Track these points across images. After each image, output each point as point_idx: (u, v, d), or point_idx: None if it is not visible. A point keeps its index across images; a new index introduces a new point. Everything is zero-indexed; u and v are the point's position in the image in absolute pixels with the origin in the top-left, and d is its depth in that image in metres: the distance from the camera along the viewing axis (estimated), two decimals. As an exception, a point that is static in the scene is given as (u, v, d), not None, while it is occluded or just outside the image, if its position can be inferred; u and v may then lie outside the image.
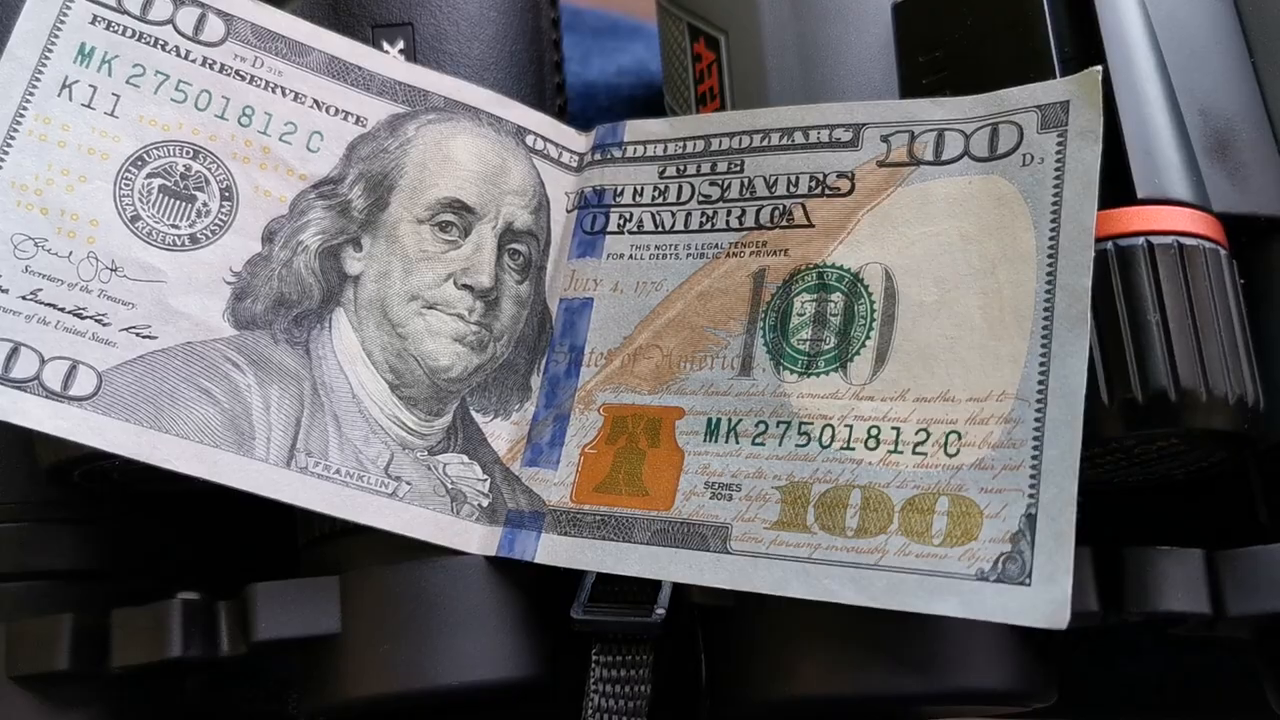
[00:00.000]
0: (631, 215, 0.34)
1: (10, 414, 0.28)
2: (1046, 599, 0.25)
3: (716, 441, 0.30)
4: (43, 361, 0.29)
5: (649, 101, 0.47)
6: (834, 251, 0.30)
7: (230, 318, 0.31)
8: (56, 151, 0.30)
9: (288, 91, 0.32)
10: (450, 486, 0.31)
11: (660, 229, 0.33)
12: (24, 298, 0.29)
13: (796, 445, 0.29)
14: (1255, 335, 0.29)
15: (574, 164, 0.35)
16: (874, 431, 0.28)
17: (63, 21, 0.31)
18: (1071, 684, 0.32)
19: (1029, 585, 0.25)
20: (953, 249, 0.29)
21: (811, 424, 0.29)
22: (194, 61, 0.32)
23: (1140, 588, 0.27)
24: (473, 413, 0.32)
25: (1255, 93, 0.31)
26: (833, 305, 0.30)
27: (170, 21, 0.32)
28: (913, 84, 0.32)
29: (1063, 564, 0.25)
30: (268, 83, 0.32)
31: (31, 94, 0.30)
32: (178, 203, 0.31)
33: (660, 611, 0.29)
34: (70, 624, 0.31)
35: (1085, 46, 0.30)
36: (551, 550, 0.30)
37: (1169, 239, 0.28)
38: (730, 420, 0.30)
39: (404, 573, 0.31)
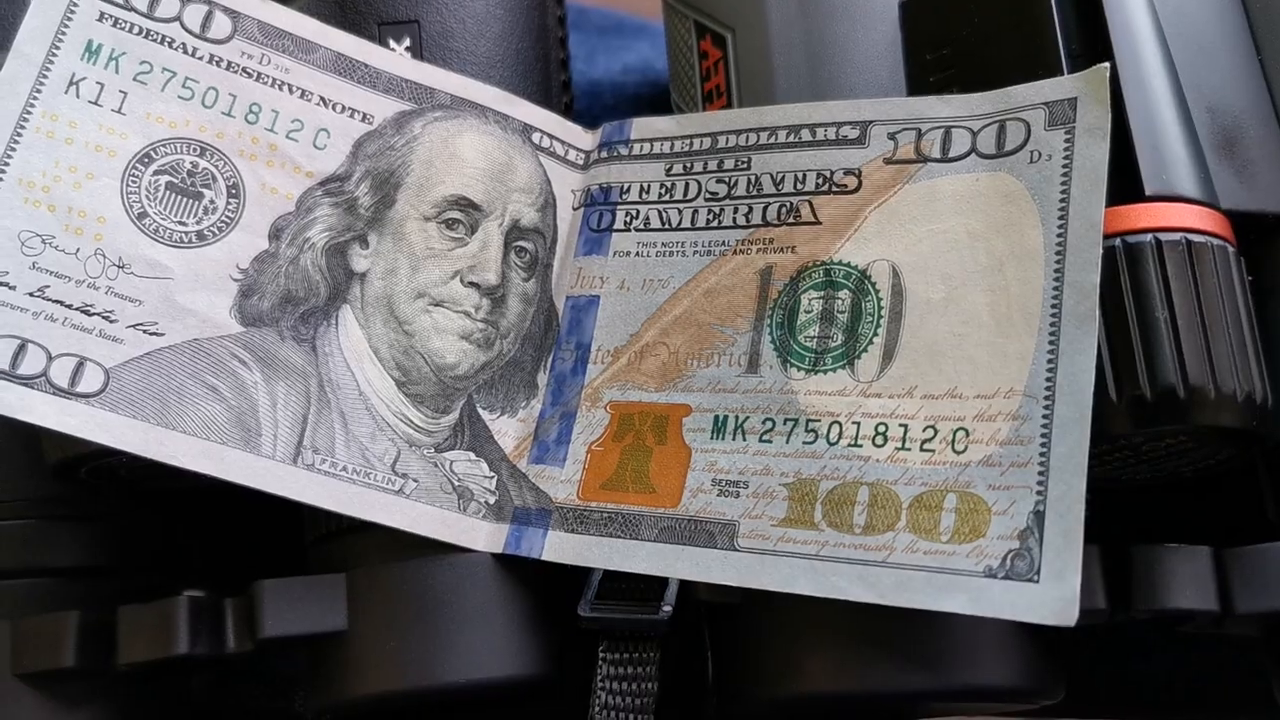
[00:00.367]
0: (638, 213, 0.34)
1: (17, 410, 0.28)
2: (1055, 596, 0.25)
3: (723, 439, 0.30)
4: (50, 358, 0.29)
5: (654, 100, 0.47)
6: (841, 249, 0.30)
7: (237, 315, 0.31)
8: (64, 148, 0.30)
9: (294, 89, 0.32)
10: (457, 484, 0.31)
11: (667, 226, 0.33)
12: (31, 294, 0.29)
13: (804, 442, 0.29)
14: (1263, 332, 0.29)
15: (580, 161, 0.35)
16: (881, 429, 0.28)
17: (70, 18, 0.31)
18: (1079, 682, 0.32)
19: (1037, 582, 0.25)
20: (960, 246, 0.29)
21: (819, 421, 0.29)
22: (201, 59, 0.32)
23: (1148, 585, 0.27)
24: (479, 410, 0.32)
25: (1263, 89, 0.31)
26: (840, 302, 0.30)
27: (177, 19, 0.32)
28: (920, 81, 0.32)
29: (1071, 561, 0.25)
30: (275, 80, 0.32)
31: (39, 91, 0.30)
32: (185, 200, 0.31)
33: (667, 609, 0.29)
34: (76, 621, 0.31)
35: (1093, 44, 0.30)
36: (558, 547, 0.30)
37: (1177, 236, 0.28)
38: (737, 417, 0.30)
39: (411, 570, 0.30)
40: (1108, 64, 0.28)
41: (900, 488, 0.27)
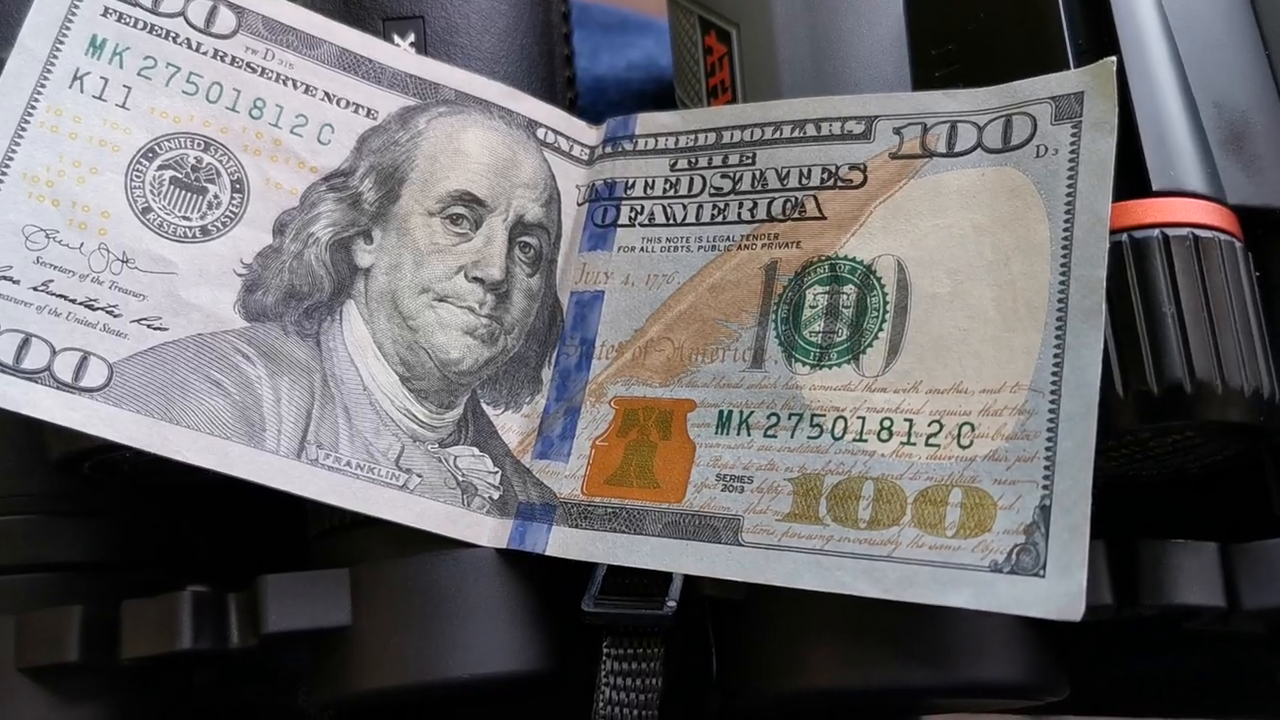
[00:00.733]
0: (643, 208, 0.33)
1: (21, 405, 0.28)
2: (1061, 591, 0.25)
3: (728, 433, 0.30)
4: (54, 353, 0.29)
5: (658, 96, 0.47)
6: (846, 243, 0.30)
7: (241, 309, 0.31)
8: (68, 143, 0.30)
9: (299, 84, 0.32)
10: (461, 479, 0.31)
11: (671, 221, 0.33)
12: (35, 289, 0.29)
13: (809, 437, 0.29)
14: (1270, 327, 0.28)
15: (585, 157, 0.35)
16: (886, 423, 0.28)
17: (74, 13, 0.31)
18: (1082, 679, 0.32)
19: (1043, 577, 0.25)
20: (966, 240, 0.29)
21: (824, 416, 0.29)
22: (205, 54, 0.32)
23: (1154, 581, 0.27)
24: (483, 405, 0.32)
25: (1270, 85, 0.30)
26: (845, 297, 0.30)
27: (182, 14, 0.32)
28: (925, 76, 0.32)
29: (1077, 556, 0.25)
30: (279, 75, 0.32)
31: (43, 86, 0.30)
32: (189, 195, 0.31)
33: (671, 604, 0.29)
34: (79, 615, 0.31)
35: (1099, 38, 0.30)
36: (562, 542, 0.30)
37: (1184, 231, 0.27)
38: (742, 412, 0.30)
39: (415, 565, 0.30)
40: (1114, 58, 0.28)
41: (905, 482, 0.27)
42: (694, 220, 0.33)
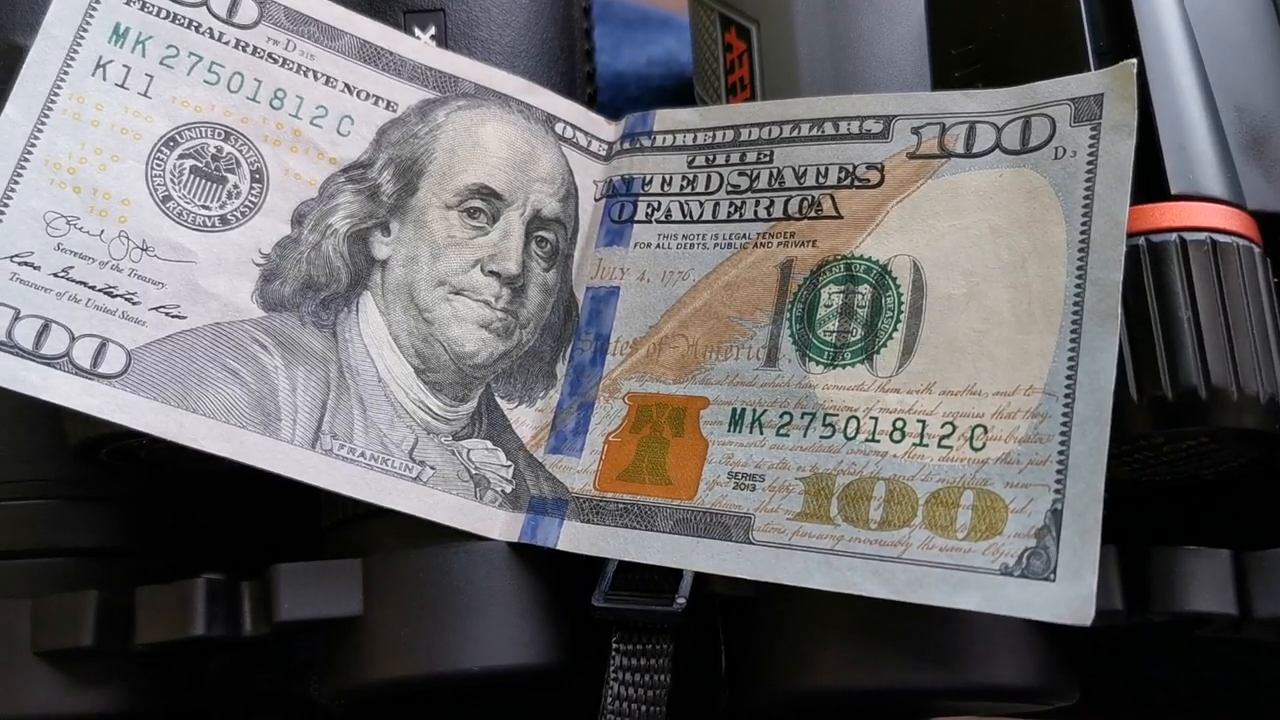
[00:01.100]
0: (660, 204, 0.34)
1: (40, 390, 0.28)
2: (1071, 595, 0.25)
3: (741, 432, 0.30)
4: (73, 339, 0.29)
5: (678, 92, 0.47)
6: (862, 243, 0.30)
7: (258, 299, 0.31)
8: (90, 130, 0.30)
9: (319, 75, 0.32)
10: (474, 472, 0.31)
11: (688, 218, 0.33)
12: (55, 275, 0.29)
13: (821, 437, 0.29)
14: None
15: (603, 153, 0.35)
16: (899, 424, 0.28)
17: (98, 1, 0.31)
18: (1091, 685, 0.32)
19: (1053, 581, 0.25)
20: (982, 242, 0.29)
21: (836, 415, 0.29)
22: (227, 44, 0.32)
23: (1166, 587, 0.27)
24: (497, 399, 0.32)
25: (1293, 90, 0.30)
26: (860, 297, 0.30)
27: (204, 4, 0.32)
28: (945, 76, 0.32)
29: (1088, 560, 0.25)
30: (300, 66, 0.32)
31: (66, 73, 0.30)
32: (209, 184, 0.31)
33: (681, 601, 0.29)
34: (95, 600, 0.31)
35: (1120, 40, 0.30)
36: (574, 537, 0.30)
37: (1202, 235, 0.27)
38: (755, 410, 0.30)
39: (426, 557, 0.31)
40: (1135, 60, 0.28)
41: (917, 484, 0.27)
42: (710, 218, 0.33)
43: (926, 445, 0.28)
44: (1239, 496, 0.31)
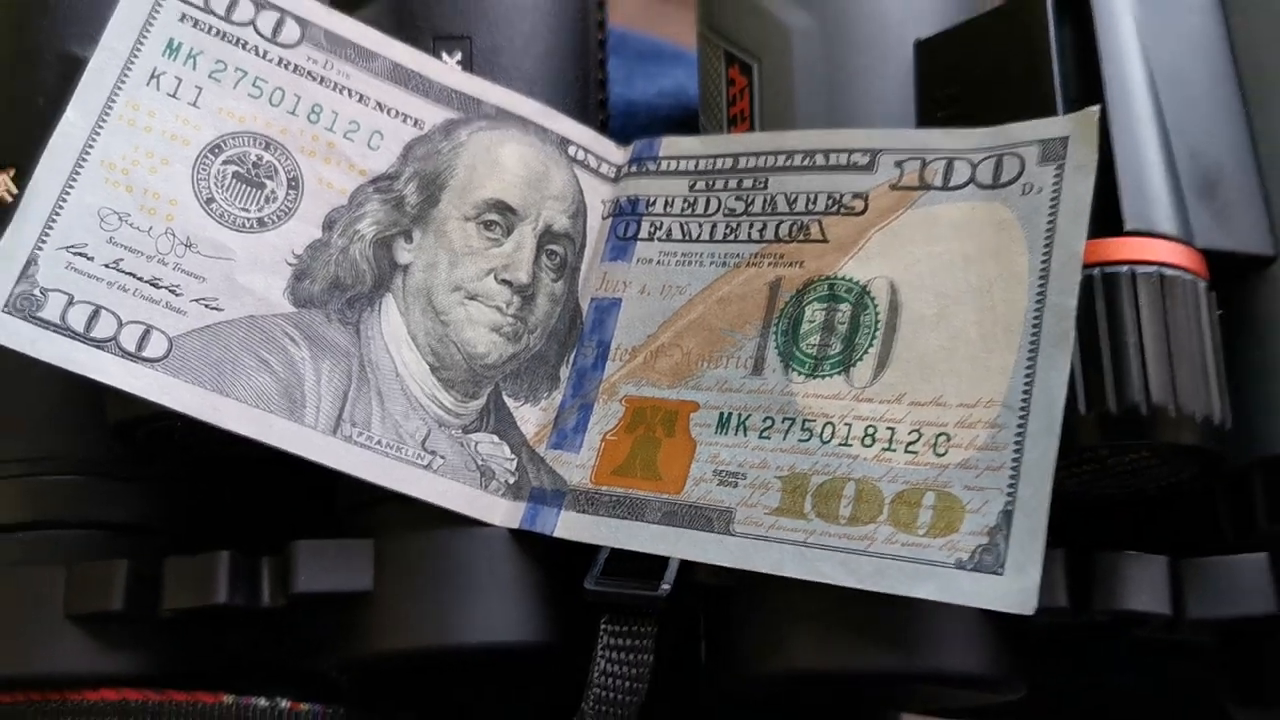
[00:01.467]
0: (662, 224, 0.36)
1: (90, 370, 0.30)
2: (1017, 587, 0.27)
3: (726, 434, 0.32)
4: (120, 324, 0.31)
5: (685, 122, 0.48)
6: (845, 265, 0.33)
7: (290, 296, 0.33)
8: (143, 135, 0.33)
9: (354, 93, 0.35)
10: (481, 463, 0.34)
11: (687, 238, 0.35)
12: (107, 266, 0.31)
13: (799, 440, 0.31)
14: (1232, 362, 0.30)
15: (611, 174, 0.37)
16: (871, 430, 0.30)
17: (154, 18, 0.33)
18: (1054, 697, 0.33)
19: (1001, 574, 0.27)
20: (954, 267, 0.31)
21: (814, 421, 0.31)
22: (271, 61, 0.34)
23: (1108, 588, 0.29)
24: (505, 397, 0.35)
25: (1246, 138, 0.32)
26: (841, 314, 0.32)
27: (251, 23, 0.34)
28: (929, 115, 0.34)
29: (1034, 556, 0.27)
30: (336, 84, 0.35)
31: (123, 82, 0.33)
32: (249, 189, 0.33)
33: (666, 586, 0.31)
34: (126, 568, 0.33)
35: (1088, 90, 0.32)
36: (570, 526, 0.32)
37: (1152, 269, 0.30)
38: (740, 415, 0.32)
39: (434, 539, 0.32)
40: (1097, 106, 0.30)
41: (884, 484, 0.29)
42: (708, 238, 0.35)
43: (894, 450, 0.30)
44: (1179, 511, 0.33)
